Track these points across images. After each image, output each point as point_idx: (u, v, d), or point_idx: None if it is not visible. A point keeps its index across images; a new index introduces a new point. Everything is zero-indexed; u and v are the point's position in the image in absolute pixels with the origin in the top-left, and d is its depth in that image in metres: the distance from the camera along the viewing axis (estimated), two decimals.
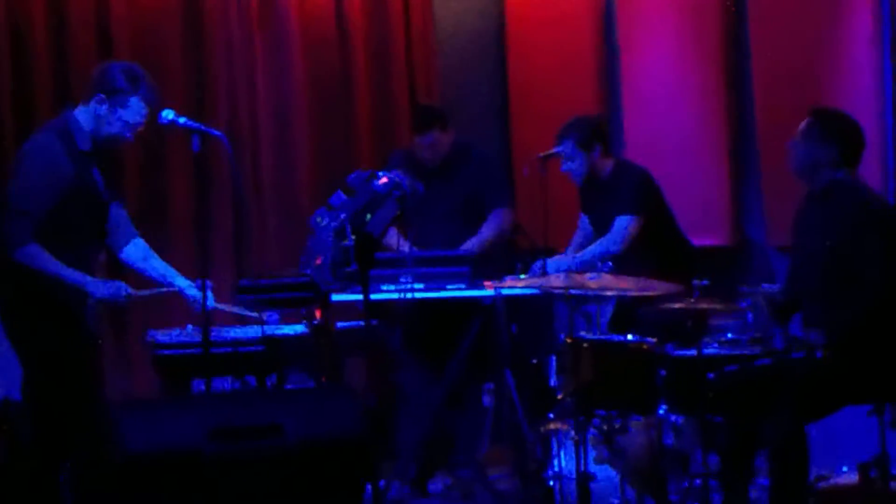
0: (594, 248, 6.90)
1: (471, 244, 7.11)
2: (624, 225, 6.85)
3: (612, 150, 7.15)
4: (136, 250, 5.93)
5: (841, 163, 5.65)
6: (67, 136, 5.60)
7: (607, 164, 7.02)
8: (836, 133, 5.67)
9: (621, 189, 6.92)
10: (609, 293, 6.46)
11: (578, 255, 6.95)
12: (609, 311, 7.03)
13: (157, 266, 5.92)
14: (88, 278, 5.58)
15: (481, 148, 7.53)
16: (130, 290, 5.63)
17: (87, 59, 7.35)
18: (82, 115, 5.66)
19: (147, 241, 6.16)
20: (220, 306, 5.97)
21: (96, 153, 5.70)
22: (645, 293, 6.17)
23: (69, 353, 5.57)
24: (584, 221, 7.26)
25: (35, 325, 5.58)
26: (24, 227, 5.50)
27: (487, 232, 7.21)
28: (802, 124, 5.72)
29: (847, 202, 5.59)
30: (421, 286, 6.55)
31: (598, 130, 7.03)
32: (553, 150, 6.88)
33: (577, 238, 7.23)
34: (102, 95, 5.62)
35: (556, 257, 6.97)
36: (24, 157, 5.60)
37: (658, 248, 6.88)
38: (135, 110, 5.64)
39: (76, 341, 5.60)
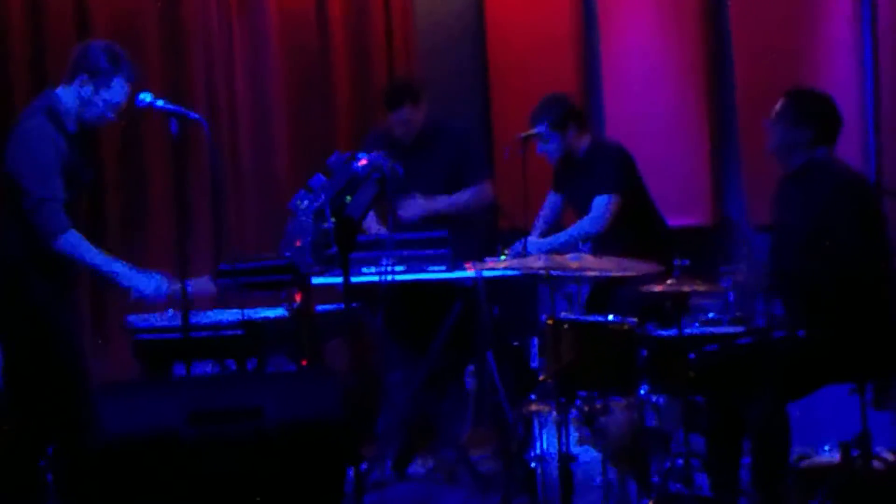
0: (573, 229, 6.88)
1: (442, 200, 7.09)
2: (603, 204, 6.83)
3: (587, 126, 7.11)
4: None
5: (817, 142, 5.65)
6: (56, 118, 5.54)
7: (583, 142, 7.01)
8: (811, 115, 5.67)
9: (599, 167, 6.90)
10: (590, 274, 6.44)
11: (559, 235, 6.92)
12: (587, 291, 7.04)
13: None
14: (128, 270, 5.55)
15: (457, 123, 7.50)
16: (172, 286, 5.57)
17: (64, 46, 7.26)
18: (65, 95, 5.60)
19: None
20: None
21: (80, 135, 5.65)
22: (626, 274, 6.16)
23: (54, 337, 5.52)
24: (551, 200, 7.24)
25: (19, 308, 5.52)
26: (57, 212, 5.43)
27: (463, 196, 7.18)
28: (777, 105, 5.72)
29: (822, 180, 5.59)
30: (401, 268, 6.53)
31: (571, 109, 6.98)
32: (533, 131, 6.85)
33: (544, 217, 7.20)
34: (85, 76, 5.57)
35: (530, 239, 6.95)
36: (23, 144, 5.49)
37: (636, 226, 6.87)
38: (118, 90, 5.61)
39: (61, 325, 5.56)
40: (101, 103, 5.58)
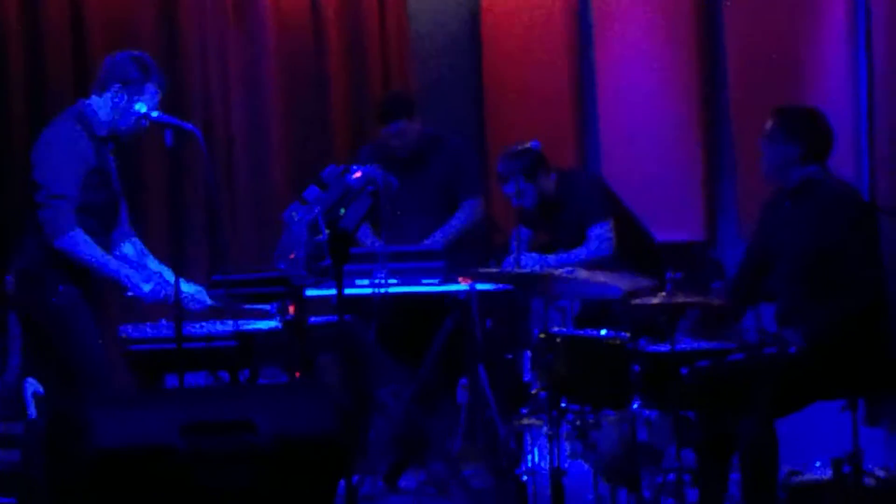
0: (581, 251, 6.86)
1: (437, 237, 7.09)
2: (603, 229, 6.88)
3: (549, 164, 7.09)
4: (133, 250, 5.95)
5: (809, 157, 5.65)
6: (84, 121, 5.69)
7: (551, 181, 7.02)
8: (800, 131, 5.67)
9: (579, 201, 6.92)
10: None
11: (569, 254, 6.90)
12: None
13: (153, 267, 5.92)
14: (132, 272, 5.61)
15: (453, 136, 7.50)
16: (170, 289, 5.61)
17: (60, 54, 7.35)
18: (98, 104, 5.74)
19: None
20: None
21: (112, 140, 5.78)
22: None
23: (74, 340, 5.62)
24: (524, 235, 7.23)
25: (42, 310, 5.61)
26: (65, 211, 5.53)
27: (455, 224, 7.19)
28: (766, 126, 5.72)
29: (823, 200, 5.58)
30: (395, 281, 6.53)
31: (535, 156, 6.91)
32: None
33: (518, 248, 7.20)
34: (118, 85, 5.71)
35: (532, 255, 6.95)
36: (46, 144, 5.65)
37: (621, 243, 6.89)
38: (150, 96, 5.73)
39: (81, 329, 5.65)
40: (135, 110, 5.69)
